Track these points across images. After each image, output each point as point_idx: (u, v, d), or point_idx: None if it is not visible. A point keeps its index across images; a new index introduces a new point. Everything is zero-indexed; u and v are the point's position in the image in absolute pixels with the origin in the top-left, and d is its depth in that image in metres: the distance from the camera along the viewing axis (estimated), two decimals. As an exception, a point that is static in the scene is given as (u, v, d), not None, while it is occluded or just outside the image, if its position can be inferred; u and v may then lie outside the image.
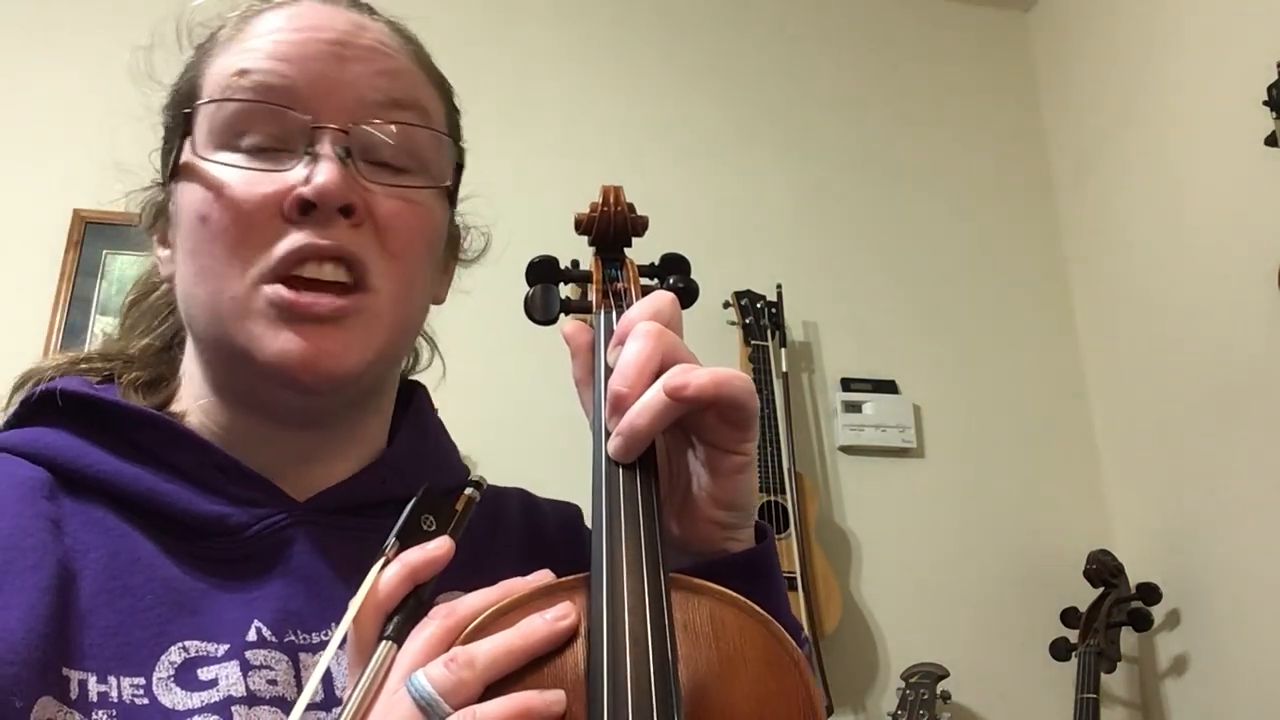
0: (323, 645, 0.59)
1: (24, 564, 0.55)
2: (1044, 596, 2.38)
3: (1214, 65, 2.34)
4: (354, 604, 0.51)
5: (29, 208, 2.22)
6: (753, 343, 2.43)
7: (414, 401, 0.75)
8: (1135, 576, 2.28)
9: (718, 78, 2.81)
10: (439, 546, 0.53)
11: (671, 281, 0.69)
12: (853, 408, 2.53)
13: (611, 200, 0.69)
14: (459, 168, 0.69)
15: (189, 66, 0.68)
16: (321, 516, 0.64)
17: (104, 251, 2.20)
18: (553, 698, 0.46)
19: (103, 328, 2.11)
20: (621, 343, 0.57)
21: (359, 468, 0.68)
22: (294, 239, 0.59)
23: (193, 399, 0.67)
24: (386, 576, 0.52)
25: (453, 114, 0.72)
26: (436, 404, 2.13)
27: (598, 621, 0.48)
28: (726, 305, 2.50)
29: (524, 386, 2.18)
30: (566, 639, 0.49)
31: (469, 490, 0.58)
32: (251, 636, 0.58)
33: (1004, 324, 2.73)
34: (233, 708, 0.55)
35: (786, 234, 2.69)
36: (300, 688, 0.57)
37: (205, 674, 0.56)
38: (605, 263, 0.69)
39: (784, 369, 2.45)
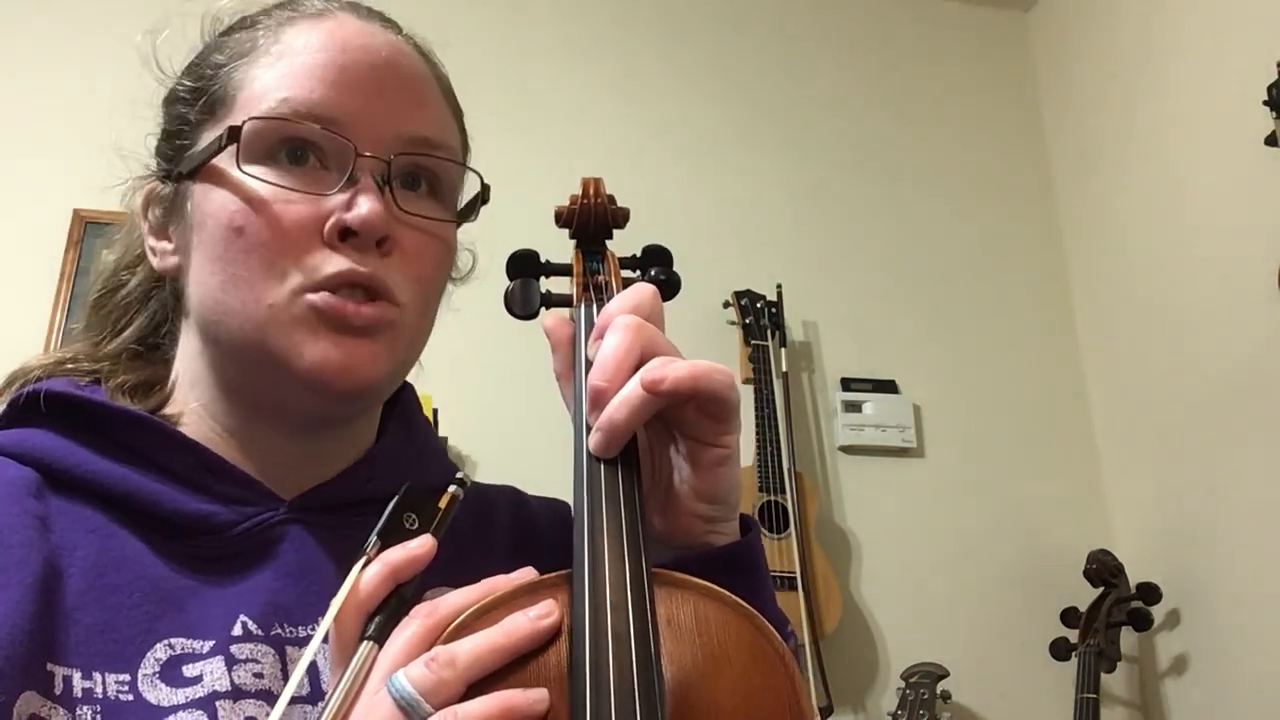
0: (310, 638, 0.59)
1: (9, 560, 0.55)
2: (1044, 596, 2.38)
3: (1214, 65, 2.33)
4: (335, 604, 0.51)
5: (29, 208, 2.22)
6: (753, 343, 2.43)
7: (401, 400, 0.75)
8: (1135, 576, 2.27)
9: (718, 77, 2.81)
10: (421, 545, 0.53)
11: (653, 273, 0.69)
12: (853, 408, 2.53)
13: (591, 192, 0.69)
14: (484, 202, 0.71)
15: (218, 68, 0.67)
16: (309, 514, 0.64)
17: (104, 252, 2.20)
18: (535, 696, 0.46)
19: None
20: (601, 336, 0.57)
21: (347, 465, 0.68)
22: (338, 262, 0.61)
23: (191, 401, 0.67)
24: (367, 576, 0.52)
25: (465, 140, 0.73)
26: (438, 404, 2.11)
27: (580, 618, 0.48)
28: (726, 305, 2.50)
29: (517, 383, 2.18)
30: (549, 637, 0.48)
31: (452, 488, 0.57)
32: (237, 631, 0.58)
33: (1004, 324, 2.73)
34: (217, 703, 0.55)
35: (786, 234, 2.69)
36: (286, 681, 0.57)
37: (190, 670, 0.56)
38: (586, 255, 0.69)
39: (784, 369, 2.45)
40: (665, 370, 0.54)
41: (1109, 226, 2.68)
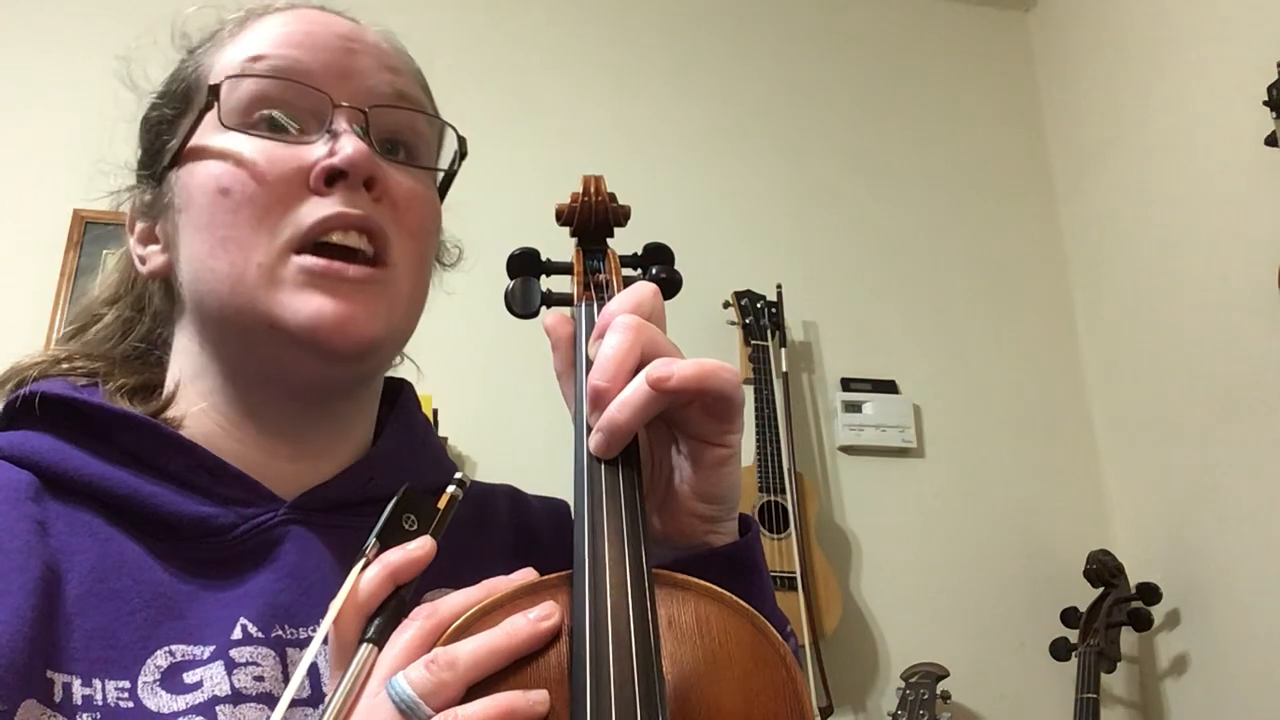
0: (310, 639, 0.59)
1: (9, 566, 0.54)
2: (1044, 596, 2.38)
3: (1214, 65, 2.33)
4: (334, 606, 0.51)
5: (29, 208, 2.22)
6: (753, 343, 2.43)
7: (400, 399, 0.75)
8: (1135, 576, 2.27)
9: (718, 77, 2.81)
10: (420, 546, 0.53)
11: (654, 272, 0.69)
12: (853, 408, 2.53)
13: (592, 190, 0.69)
14: (462, 156, 0.71)
15: (187, 64, 0.68)
16: (309, 515, 0.64)
17: (104, 251, 2.20)
18: (536, 698, 0.46)
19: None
20: (602, 336, 0.56)
21: (347, 465, 0.67)
22: (325, 205, 0.61)
23: (195, 401, 0.66)
24: (367, 578, 0.51)
25: (436, 112, 0.73)
26: (437, 404, 2.11)
27: (580, 619, 0.48)
28: (726, 305, 2.50)
29: (517, 383, 2.18)
30: (550, 638, 0.48)
31: (451, 489, 0.57)
32: (237, 634, 0.58)
33: (1004, 324, 2.73)
34: (217, 708, 0.55)
35: (786, 234, 2.68)
36: (287, 683, 0.57)
37: (190, 676, 0.56)
38: (587, 254, 0.69)
39: (784, 369, 2.45)
40: (671, 368, 0.53)
41: (1109, 226, 2.68)
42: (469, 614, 0.49)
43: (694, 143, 2.72)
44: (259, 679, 0.57)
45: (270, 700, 0.56)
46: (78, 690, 0.53)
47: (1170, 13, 2.50)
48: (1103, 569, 2.26)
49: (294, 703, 0.48)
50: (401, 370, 0.78)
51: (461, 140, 0.71)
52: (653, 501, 0.60)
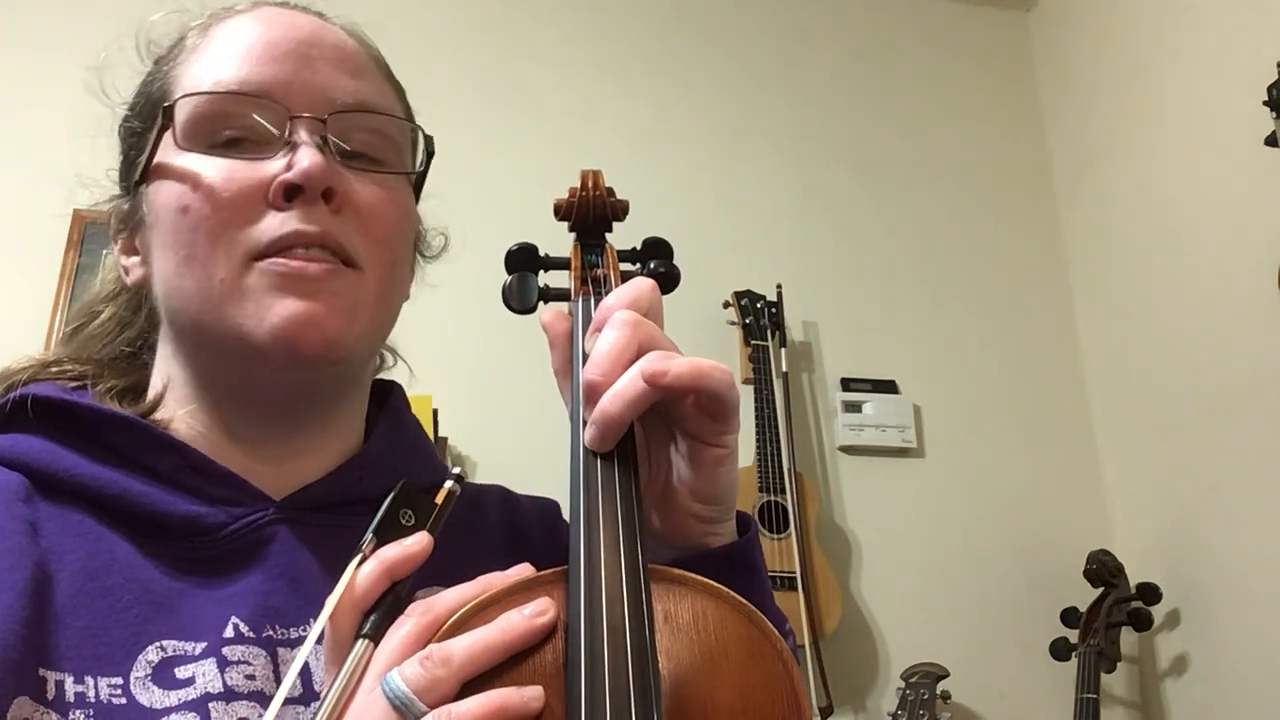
0: (302, 640, 0.59)
1: (0, 566, 0.55)
2: (1044, 596, 2.38)
3: (1214, 65, 2.33)
4: (330, 601, 0.50)
5: (29, 208, 2.22)
6: (753, 343, 2.43)
7: (390, 400, 0.75)
8: (1135, 576, 2.27)
9: (718, 77, 2.81)
10: (417, 543, 0.53)
11: (652, 266, 0.68)
12: (853, 408, 2.53)
13: (590, 185, 0.69)
14: (430, 155, 0.71)
15: (154, 76, 0.68)
16: (299, 514, 0.64)
17: (104, 252, 2.19)
18: (530, 694, 0.46)
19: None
20: (599, 330, 0.56)
21: (336, 465, 0.68)
22: (282, 223, 0.60)
23: (178, 405, 0.66)
24: (363, 574, 0.51)
25: (409, 113, 0.73)
26: (437, 404, 2.11)
27: (576, 615, 0.48)
28: (726, 305, 2.50)
29: (517, 382, 2.18)
30: (545, 634, 0.48)
31: (449, 484, 0.57)
32: (229, 633, 0.58)
33: (1004, 324, 2.73)
34: (210, 704, 0.55)
35: (786, 234, 2.68)
36: (278, 682, 0.57)
37: (182, 672, 0.56)
38: (585, 249, 0.68)
39: (784, 369, 2.45)
40: (667, 364, 0.53)
41: (1109, 226, 2.68)
42: (464, 610, 0.49)
43: (694, 143, 2.72)
44: (250, 677, 0.57)
45: (262, 698, 0.56)
46: (70, 687, 0.53)
47: (1171, 13, 2.50)
48: (1103, 569, 2.26)
49: (285, 701, 0.48)
50: (394, 373, 0.78)
51: (428, 139, 0.70)
52: (650, 501, 0.60)
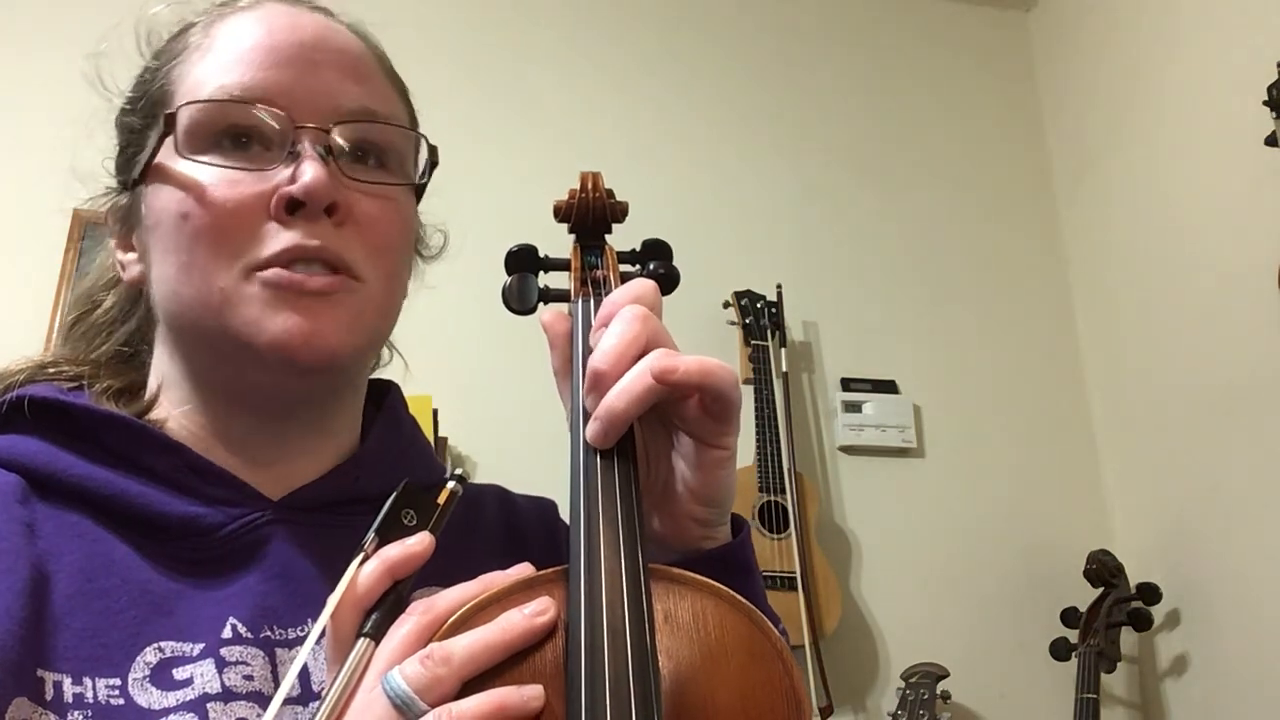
0: (299, 640, 0.59)
1: None
2: (1044, 596, 2.38)
3: (1214, 65, 2.33)
4: (332, 600, 0.51)
5: (29, 208, 2.22)
6: (753, 343, 2.42)
7: (387, 400, 0.75)
8: (1135, 576, 2.27)
9: (718, 77, 2.81)
10: (419, 542, 0.53)
11: (652, 267, 0.69)
12: (853, 408, 2.53)
13: (590, 186, 0.69)
14: (433, 165, 0.71)
15: (155, 71, 0.68)
16: (296, 514, 0.64)
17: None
18: (530, 693, 0.46)
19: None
20: (605, 325, 0.56)
21: (332, 465, 0.68)
22: (284, 238, 0.60)
23: (173, 405, 0.66)
24: (365, 572, 0.51)
25: (413, 114, 0.73)
26: (438, 404, 2.10)
27: (576, 614, 0.48)
28: (726, 305, 2.50)
29: (518, 383, 2.19)
30: (545, 633, 0.48)
31: (451, 484, 0.57)
32: (227, 634, 0.58)
33: (1004, 324, 2.73)
34: (208, 705, 0.55)
35: (786, 234, 2.68)
36: (277, 683, 0.57)
37: (180, 673, 0.56)
38: (584, 250, 0.69)
39: (784, 369, 2.45)
40: (676, 361, 0.53)
41: (1109, 226, 2.68)
42: (465, 609, 0.49)
43: (694, 143, 2.72)
44: (248, 678, 0.57)
45: (260, 699, 0.56)
46: (68, 688, 0.53)
47: (1170, 13, 2.50)
48: (1103, 569, 2.26)
49: (284, 701, 0.48)
50: (390, 370, 0.78)
51: (432, 149, 0.70)
52: (649, 503, 0.60)
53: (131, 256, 0.68)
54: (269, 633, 0.59)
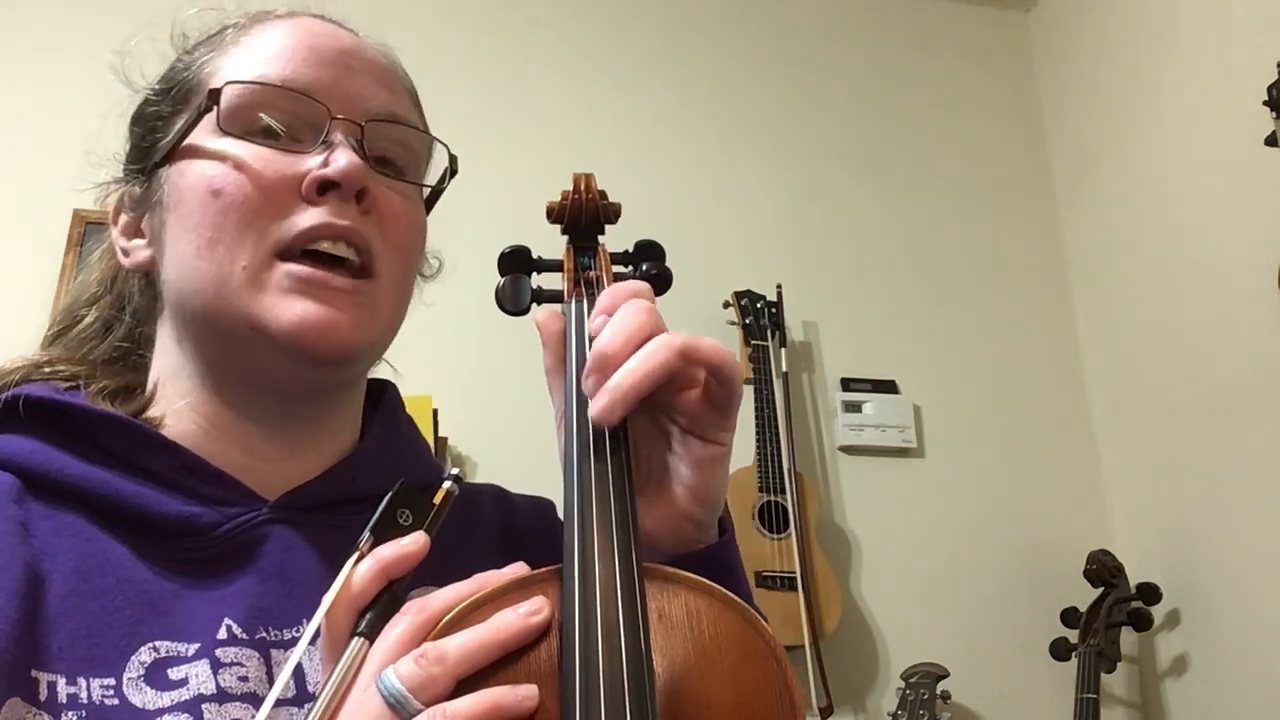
0: (294, 641, 0.59)
1: None
2: (1044, 596, 2.38)
3: (1214, 65, 2.33)
4: (326, 599, 0.51)
5: (29, 208, 2.22)
6: (753, 343, 2.42)
7: (385, 400, 0.75)
8: (1135, 576, 2.27)
9: (717, 77, 2.81)
10: (414, 542, 0.53)
11: (645, 268, 0.70)
12: (853, 408, 2.53)
13: (582, 188, 0.70)
14: (452, 174, 0.73)
15: (190, 63, 0.69)
16: (292, 514, 0.64)
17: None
18: (524, 693, 0.46)
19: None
20: (608, 313, 0.57)
21: (329, 465, 0.68)
22: (314, 214, 0.62)
23: (174, 399, 0.66)
24: (360, 572, 0.52)
25: (427, 129, 0.74)
26: (438, 404, 2.10)
27: (570, 614, 0.48)
28: (726, 305, 2.50)
29: (516, 382, 2.19)
30: (540, 633, 0.48)
31: (447, 484, 0.57)
32: (222, 634, 0.58)
33: (1004, 324, 2.73)
34: (203, 705, 0.55)
35: (786, 234, 2.68)
36: (272, 683, 0.57)
37: (175, 673, 0.56)
38: (578, 251, 0.70)
39: (784, 369, 2.45)
40: (697, 339, 0.56)
41: (1109, 226, 2.68)
42: (459, 608, 0.49)
43: (694, 143, 2.72)
44: (243, 679, 0.57)
45: (255, 700, 0.56)
46: (63, 689, 0.54)
47: (1171, 13, 2.50)
48: (1103, 569, 2.26)
49: (277, 703, 0.48)
50: (387, 371, 0.78)
51: (452, 158, 0.72)
52: (645, 504, 0.60)
53: (138, 242, 0.69)
54: (264, 634, 0.59)
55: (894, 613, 2.39)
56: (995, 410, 2.63)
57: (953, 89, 2.95)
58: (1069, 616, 2.25)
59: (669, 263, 0.71)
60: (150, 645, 0.57)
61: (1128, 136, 2.62)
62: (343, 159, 0.62)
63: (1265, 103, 1.99)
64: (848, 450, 2.53)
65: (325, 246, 0.62)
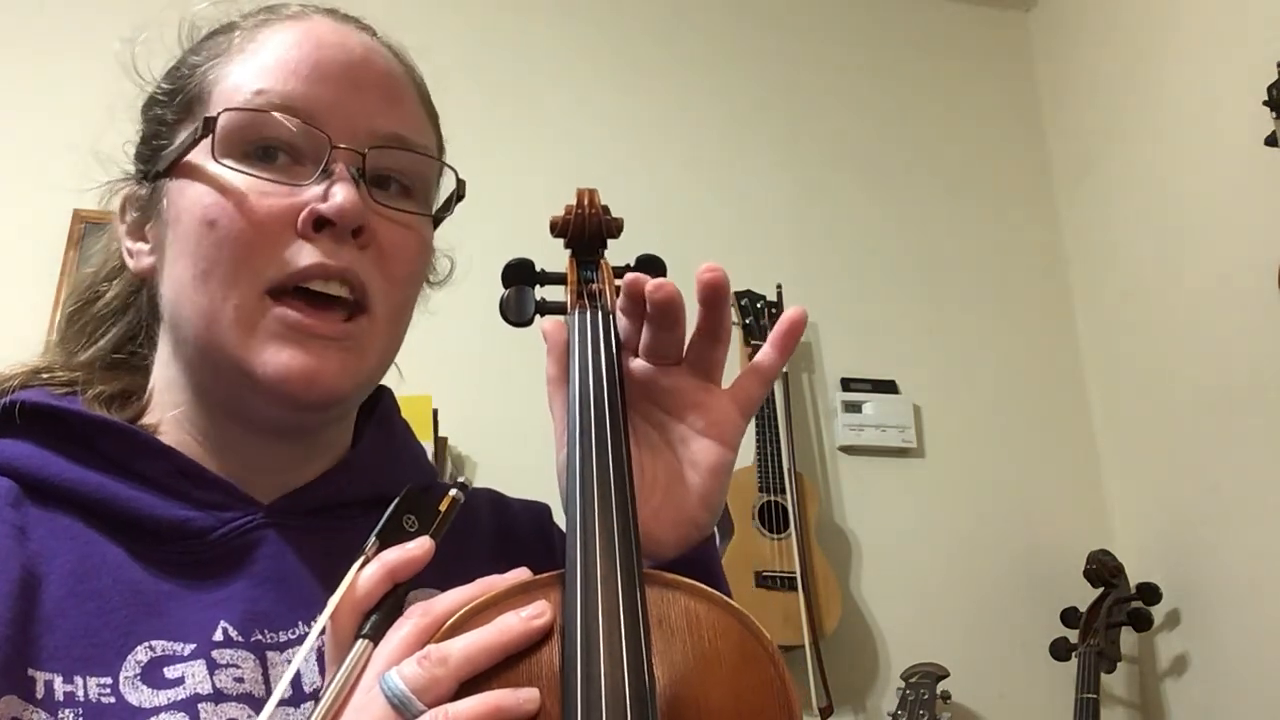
0: (290, 644, 0.60)
1: None
2: (1044, 596, 2.38)
3: (1214, 65, 2.33)
4: (332, 602, 0.51)
5: (29, 208, 2.22)
6: (753, 343, 2.43)
7: (380, 404, 0.76)
8: (1135, 576, 2.28)
9: (718, 78, 2.81)
10: (419, 547, 0.53)
11: None
12: (853, 408, 2.53)
13: (586, 203, 0.71)
14: (460, 198, 0.72)
15: (194, 67, 0.68)
16: (287, 518, 0.65)
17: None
18: (526, 696, 0.46)
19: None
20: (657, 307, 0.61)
21: (324, 470, 0.68)
22: (309, 254, 0.61)
23: (168, 408, 0.67)
24: (365, 575, 0.52)
25: (441, 142, 0.74)
26: (438, 404, 2.11)
27: (572, 618, 0.49)
28: (726, 305, 2.50)
29: (517, 384, 2.19)
30: (542, 636, 0.49)
31: (453, 492, 0.58)
32: (218, 636, 0.58)
33: (1004, 324, 2.73)
34: (199, 705, 0.56)
35: (786, 234, 2.69)
36: (268, 685, 0.58)
37: (172, 672, 0.56)
38: (580, 264, 0.70)
39: (784, 369, 2.45)
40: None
41: (1109, 226, 2.68)
42: (463, 612, 0.50)
43: (694, 143, 2.72)
44: (239, 680, 0.57)
45: (250, 701, 0.57)
46: (59, 687, 0.54)
47: (1171, 13, 2.50)
48: (1103, 569, 2.26)
49: (277, 703, 0.49)
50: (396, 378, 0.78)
51: (460, 183, 0.71)
52: (650, 510, 0.61)
53: (143, 247, 0.68)
54: (260, 636, 0.59)
55: (894, 613, 2.39)
56: (995, 410, 2.64)
57: (953, 89, 2.96)
58: (1069, 616, 2.25)
59: (669, 264, 0.71)
60: (147, 645, 0.57)
61: (1128, 136, 2.62)
62: (340, 194, 0.60)
63: (1265, 103, 1.99)
64: (848, 450, 2.53)
65: (318, 286, 0.61)
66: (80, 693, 0.54)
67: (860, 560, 2.44)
